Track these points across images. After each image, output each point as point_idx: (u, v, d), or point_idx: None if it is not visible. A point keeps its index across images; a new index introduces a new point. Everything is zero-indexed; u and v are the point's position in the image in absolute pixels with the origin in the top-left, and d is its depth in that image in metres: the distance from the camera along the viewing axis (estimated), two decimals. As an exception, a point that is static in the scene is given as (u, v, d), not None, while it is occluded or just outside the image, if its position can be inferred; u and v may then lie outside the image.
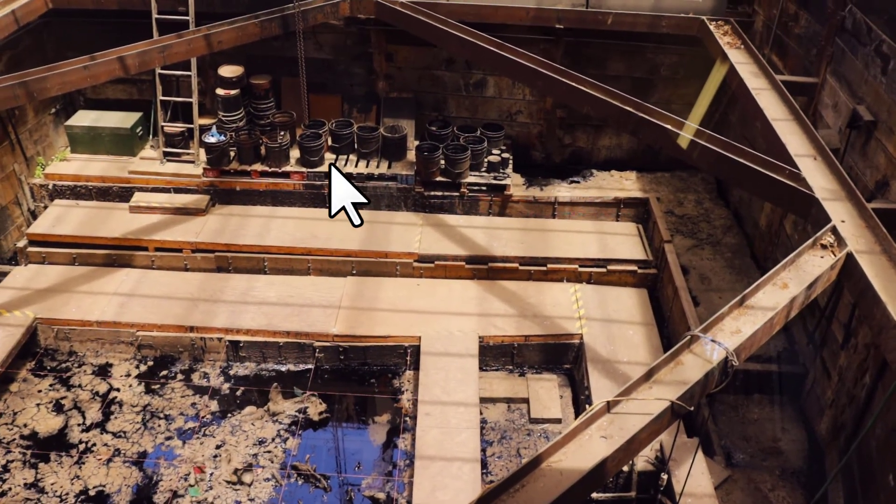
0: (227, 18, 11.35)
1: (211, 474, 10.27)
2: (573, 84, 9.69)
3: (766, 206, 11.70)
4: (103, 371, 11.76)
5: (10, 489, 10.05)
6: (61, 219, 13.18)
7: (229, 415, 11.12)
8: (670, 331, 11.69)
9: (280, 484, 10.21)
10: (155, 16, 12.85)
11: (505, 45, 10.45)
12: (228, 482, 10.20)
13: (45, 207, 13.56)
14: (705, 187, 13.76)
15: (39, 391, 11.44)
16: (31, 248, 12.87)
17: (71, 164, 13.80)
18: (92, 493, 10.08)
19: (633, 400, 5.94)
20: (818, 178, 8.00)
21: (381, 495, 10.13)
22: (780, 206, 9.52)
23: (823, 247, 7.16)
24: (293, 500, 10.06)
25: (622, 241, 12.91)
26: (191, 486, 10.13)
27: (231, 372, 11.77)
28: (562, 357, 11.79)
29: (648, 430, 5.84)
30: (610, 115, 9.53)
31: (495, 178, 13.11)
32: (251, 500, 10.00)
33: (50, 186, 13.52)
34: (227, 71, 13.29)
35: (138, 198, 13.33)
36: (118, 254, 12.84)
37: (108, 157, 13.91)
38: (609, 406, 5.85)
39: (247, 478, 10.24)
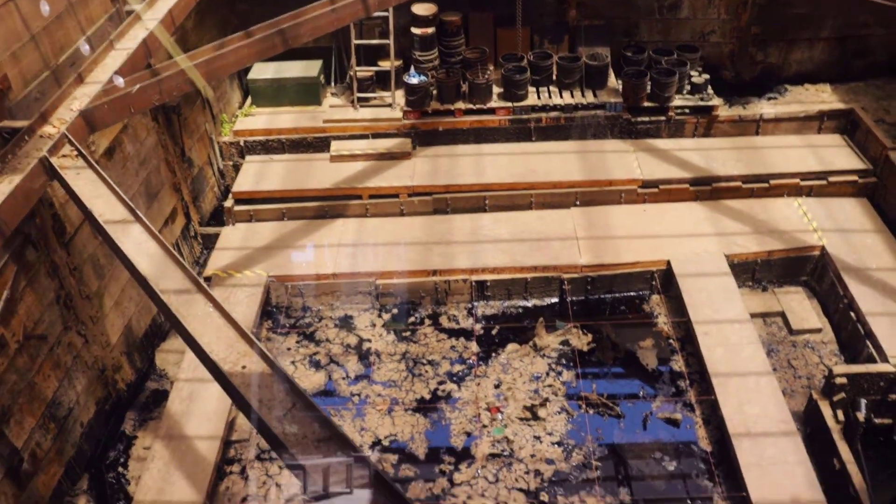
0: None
1: (501, 413, 10.15)
2: None
3: None
4: (345, 323, 11.50)
5: (304, 444, 9.84)
6: (262, 175, 12.73)
7: (493, 354, 10.97)
8: (905, 236, 11.69)
9: (572, 415, 10.13)
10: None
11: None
12: (522, 419, 10.09)
13: (234, 166, 13.11)
14: (907, 94, 13.64)
15: (289, 349, 11.16)
16: (237, 207, 12.46)
17: (257, 119, 13.30)
18: (385, 442, 9.90)
19: None
20: None
21: (677, 416, 10.10)
22: None
23: None
24: (591, 429, 9.99)
25: (835, 153, 12.82)
26: (484, 426, 9.99)
27: (477, 312, 11.59)
28: (800, 270, 11.78)
29: None
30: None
31: (701, 100, 12.92)
32: (549, 434, 9.91)
33: (241, 143, 13.03)
34: (423, 9, 12.82)
35: (338, 146, 12.90)
36: (329, 205, 12.46)
37: (293, 108, 13.43)
38: None
39: (541, 412, 10.13)
